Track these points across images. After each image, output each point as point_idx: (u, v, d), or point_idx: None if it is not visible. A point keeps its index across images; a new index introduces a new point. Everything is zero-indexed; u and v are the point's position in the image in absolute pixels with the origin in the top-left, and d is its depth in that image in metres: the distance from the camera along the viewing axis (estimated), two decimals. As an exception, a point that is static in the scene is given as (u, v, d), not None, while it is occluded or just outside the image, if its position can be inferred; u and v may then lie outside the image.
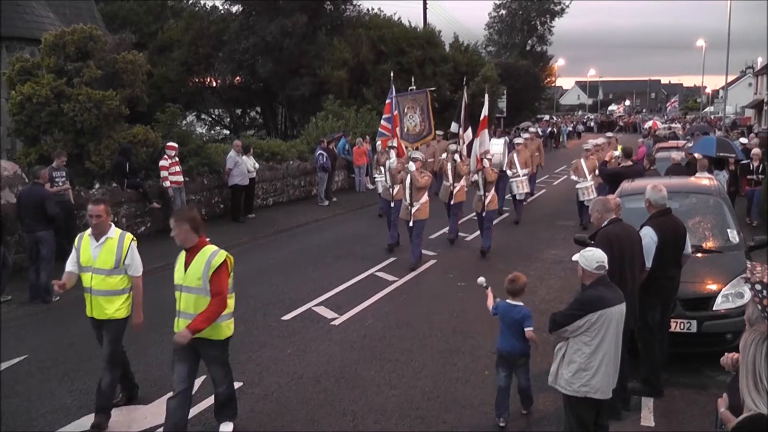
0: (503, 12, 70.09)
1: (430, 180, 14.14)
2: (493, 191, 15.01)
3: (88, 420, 7.26)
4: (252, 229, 17.90)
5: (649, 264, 7.44)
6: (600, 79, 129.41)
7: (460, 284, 12.63)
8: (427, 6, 39.95)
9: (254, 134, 32.86)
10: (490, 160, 15.04)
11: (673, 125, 51.95)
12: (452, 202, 15.97)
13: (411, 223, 13.76)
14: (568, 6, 68.46)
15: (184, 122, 22.63)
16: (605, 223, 7.27)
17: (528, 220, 19.26)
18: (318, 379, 8.39)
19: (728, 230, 9.73)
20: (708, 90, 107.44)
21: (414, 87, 18.42)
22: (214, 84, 34.26)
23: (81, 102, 16.13)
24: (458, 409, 7.55)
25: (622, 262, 6.97)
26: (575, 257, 6.07)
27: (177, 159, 17.11)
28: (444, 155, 18.01)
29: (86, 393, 7.98)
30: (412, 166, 13.73)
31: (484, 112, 15.91)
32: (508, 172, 18.73)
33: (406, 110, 16.83)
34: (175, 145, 17.17)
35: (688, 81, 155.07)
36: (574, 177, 18.20)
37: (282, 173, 22.46)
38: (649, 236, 7.49)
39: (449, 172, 16.14)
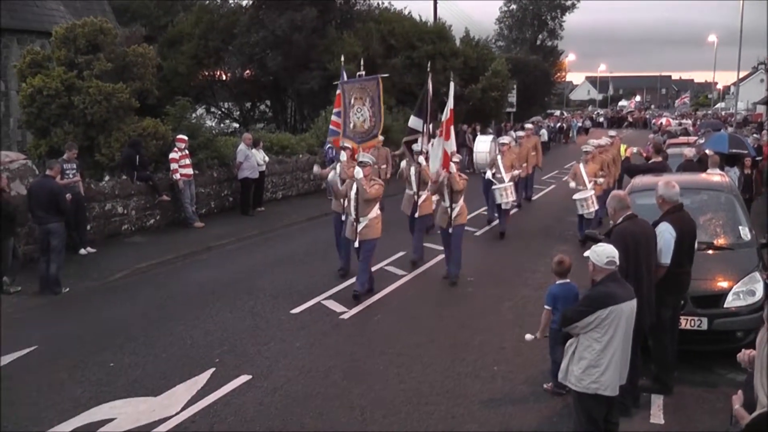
0: (514, 7, 69.93)
1: (381, 190, 11.57)
2: (461, 203, 12.53)
3: (98, 411, 7.31)
4: (261, 222, 17.91)
5: (668, 260, 7.40)
6: (610, 75, 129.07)
7: (469, 279, 12.60)
8: (438, 0, 39.89)
9: (264, 128, 32.85)
10: (457, 163, 12.73)
11: (684, 121, 51.72)
12: (417, 215, 13.58)
13: (357, 244, 11.46)
14: (578, 1, 68.31)
15: (194, 115, 22.54)
16: (620, 219, 7.23)
17: (537, 215, 19.21)
18: (326, 372, 8.39)
19: (740, 227, 9.66)
20: (719, 86, 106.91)
21: (363, 72, 14.12)
22: (224, 77, 34.23)
23: (91, 94, 16.17)
24: (467, 404, 7.53)
25: (638, 259, 6.94)
26: (586, 253, 6.05)
27: (187, 152, 17.13)
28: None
29: (95, 384, 8.01)
30: (359, 172, 11.27)
31: (449, 104, 13.09)
32: (488, 174, 16.63)
33: (353, 101, 12.93)
34: (185, 137, 17.19)
35: (699, 77, 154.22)
36: (572, 184, 15.72)
37: (291, 167, 22.44)
38: (667, 232, 7.44)
39: (412, 179, 13.76)
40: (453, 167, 12.39)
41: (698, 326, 8.38)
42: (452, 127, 12.88)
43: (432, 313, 10.70)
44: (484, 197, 17.94)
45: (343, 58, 14.97)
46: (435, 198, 13.64)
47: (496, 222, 17.15)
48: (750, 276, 8.66)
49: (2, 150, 15.83)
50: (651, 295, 7.12)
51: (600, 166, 15.72)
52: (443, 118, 13.16)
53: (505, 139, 17.28)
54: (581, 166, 15.58)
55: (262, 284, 12.22)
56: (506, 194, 16.02)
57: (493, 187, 16.29)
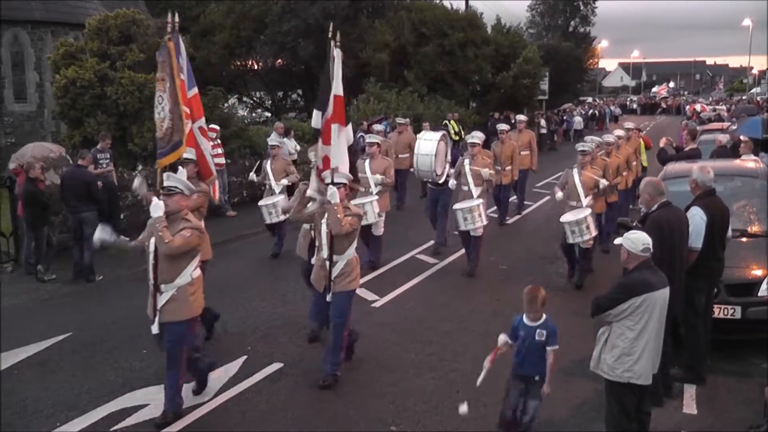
0: (546, -7, 69.24)
1: (193, 241, 6.64)
2: (351, 254, 7.81)
3: (132, 396, 7.42)
4: (292, 211, 17.91)
5: (699, 244, 7.32)
6: (643, 61, 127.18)
7: (501, 267, 12.55)
8: (469, -12, 39.56)
9: (295, 117, 32.97)
10: (343, 187, 7.73)
11: (718, 107, 50.96)
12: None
13: (155, 327, 6.70)
14: (612, -14, 67.40)
15: (226, 105, 22.77)
16: (655, 206, 7.13)
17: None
18: (358, 361, 8.41)
19: (775, 214, 9.51)
20: (754, 71, 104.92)
21: (168, 35, 7.44)
22: (256, 67, 34.35)
23: (124, 85, 16.36)
24: (499, 392, 7.47)
25: (672, 248, 6.86)
26: (618, 240, 5.99)
27: (219, 141, 17.20)
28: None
29: (129, 370, 8.12)
30: (157, 207, 6.57)
31: (334, 88, 8.02)
32: (451, 183, 12.34)
33: (156, 86, 7.43)
34: (217, 127, 17.25)
35: (734, 61, 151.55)
36: (559, 195, 11.39)
37: (322, 156, 22.40)
38: (698, 216, 7.37)
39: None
40: (335, 194, 7.54)
41: (731, 315, 8.25)
42: (339, 127, 8.08)
43: (464, 301, 10.67)
44: (428, 216, 13.73)
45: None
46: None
47: (435, 267, 12.70)
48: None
49: (38, 141, 16.07)
50: (682, 283, 7.04)
51: (602, 171, 11.57)
52: (325, 114, 8.12)
53: (475, 138, 12.31)
54: (575, 173, 11.24)
55: (294, 272, 12.19)
56: (472, 217, 11.54)
57: (455, 206, 11.84)
